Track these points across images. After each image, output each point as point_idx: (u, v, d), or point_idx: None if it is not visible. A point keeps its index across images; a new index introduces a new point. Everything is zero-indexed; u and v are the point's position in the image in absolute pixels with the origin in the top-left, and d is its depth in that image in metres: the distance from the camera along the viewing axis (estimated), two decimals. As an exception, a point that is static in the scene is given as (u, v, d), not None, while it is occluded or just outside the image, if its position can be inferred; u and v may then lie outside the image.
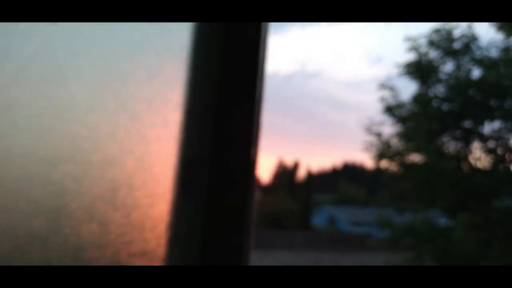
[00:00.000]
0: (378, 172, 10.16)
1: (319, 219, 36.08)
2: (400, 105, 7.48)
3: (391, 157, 7.64)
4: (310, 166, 63.97)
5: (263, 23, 0.68)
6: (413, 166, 7.46)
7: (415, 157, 7.52)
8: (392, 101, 7.49)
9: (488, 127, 7.01)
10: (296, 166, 40.34)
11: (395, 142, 7.61)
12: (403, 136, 7.43)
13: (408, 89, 7.51)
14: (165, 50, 0.63)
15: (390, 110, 7.48)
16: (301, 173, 42.34)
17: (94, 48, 0.58)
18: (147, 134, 0.60)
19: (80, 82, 0.56)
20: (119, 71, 0.59)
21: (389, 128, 7.64)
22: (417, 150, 7.36)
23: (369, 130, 7.80)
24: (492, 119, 6.93)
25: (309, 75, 70.79)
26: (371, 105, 25.71)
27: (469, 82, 6.79)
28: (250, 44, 0.67)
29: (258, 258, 24.07)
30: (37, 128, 0.52)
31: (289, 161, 42.55)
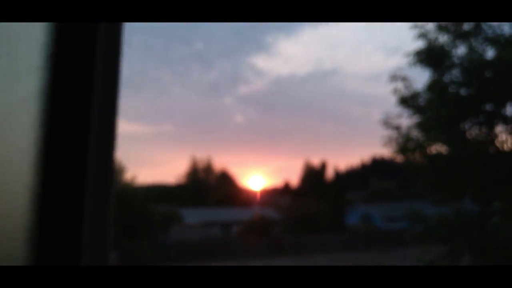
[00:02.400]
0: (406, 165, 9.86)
1: (353, 218, 35.46)
2: (415, 95, 7.25)
3: (412, 150, 7.40)
4: (337, 165, 63.00)
5: (102, 23, 0.67)
6: (437, 156, 7.20)
7: (438, 147, 7.26)
8: (406, 92, 7.28)
9: (511, 108, 6.70)
10: (323, 167, 39.87)
11: (415, 134, 7.38)
12: (422, 126, 7.19)
13: (422, 77, 7.27)
14: None
15: (405, 101, 7.27)
16: (329, 173, 41.75)
17: None
18: None
19: None
20: None
21: (407, 120, 7.38)
22: (439, 139, 7.11)
23: (386, 124, 7.60)
24: (513, 99, 6.61)
25: (327, 73, 70.16)
26: (391, 97, 25.07)
27: (484, 63, 6.51)
28: (85, 43, 0.66)
29: (293, 264, 23.81)
30: None
31: (316, 162, 42.08)
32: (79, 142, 0.63)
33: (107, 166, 0.66)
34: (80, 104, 0.64)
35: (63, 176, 0.63)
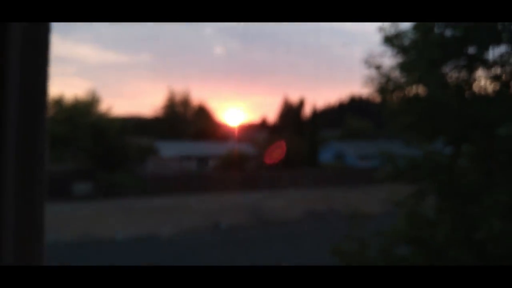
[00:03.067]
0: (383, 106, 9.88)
1: (326, 156, 36.42)
2: (400, 34, 7.00)
3: (391, 91, 7.32)
4: (316, 103, 63.41)
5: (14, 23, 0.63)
6: (415, 98, 7.16)
7: (417, 89, 7.20)
8: (391, 30, 7.01)
9: (493, 52, 6.57)
10: (301, 104, 39.91)
11: (396, 75, 7.24)
12: (404, 67, 7.04)
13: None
14: None
15: (389, 40, 7.03)
16: (307, 111, 41.89)
17: None
18: None
19: None
20: None
21: (389, 60, 7.19)
22: (419, 81, 7.01)
23: (368, 63, 7.41)
24: (497, 43, 6.46)
25: (312, 7, 67.68)
26: (376, 35, 24.56)
27: (473, 3, 6.24)
28: None
29: (266, 197, 24.68)
30: None
31: (294, 99, 41.97)
32: None
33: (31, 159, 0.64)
34: None
35: None
